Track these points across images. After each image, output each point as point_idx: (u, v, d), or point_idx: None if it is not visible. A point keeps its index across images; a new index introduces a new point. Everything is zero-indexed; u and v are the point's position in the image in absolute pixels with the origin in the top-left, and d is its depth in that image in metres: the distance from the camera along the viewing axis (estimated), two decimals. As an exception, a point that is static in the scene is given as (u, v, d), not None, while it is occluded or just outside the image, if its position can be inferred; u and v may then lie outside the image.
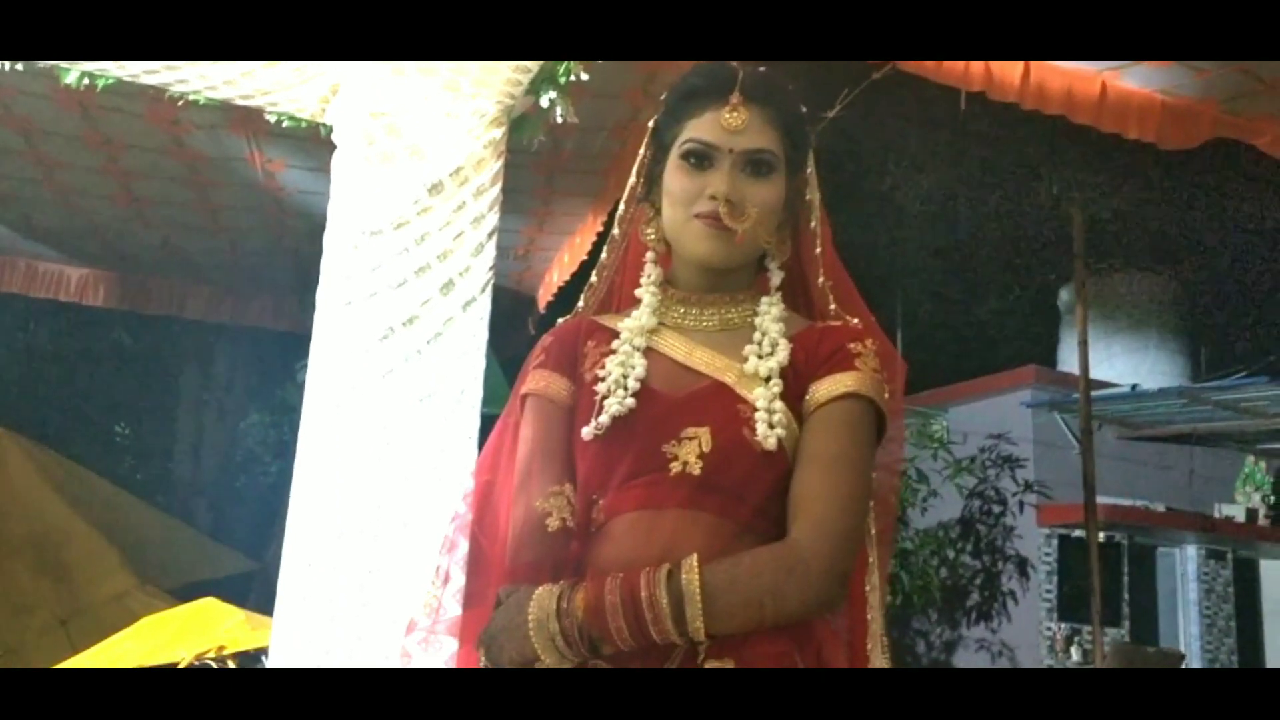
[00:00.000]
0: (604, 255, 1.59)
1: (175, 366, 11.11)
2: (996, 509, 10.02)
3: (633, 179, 1.56)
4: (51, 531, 5.58)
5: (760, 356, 1.43)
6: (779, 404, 1.38)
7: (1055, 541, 9.71)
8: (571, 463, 1.45)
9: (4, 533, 5.41)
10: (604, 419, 1.41)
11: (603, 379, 1.44)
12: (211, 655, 3.31)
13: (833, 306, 1.51)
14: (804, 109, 1.50)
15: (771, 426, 1.37)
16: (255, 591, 6.99)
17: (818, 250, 1.52)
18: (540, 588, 1.31)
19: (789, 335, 1.45)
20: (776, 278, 1.50)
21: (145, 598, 5.65)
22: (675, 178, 1.46)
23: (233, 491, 10.66)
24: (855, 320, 1.49)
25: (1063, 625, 9.58)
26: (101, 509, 5.97)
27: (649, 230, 1.51)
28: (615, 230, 1.59)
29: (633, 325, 1.48)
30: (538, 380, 1.50)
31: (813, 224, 1.52)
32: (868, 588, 1.47)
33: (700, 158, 1.44)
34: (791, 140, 1.47)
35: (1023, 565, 9.76)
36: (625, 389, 1.42)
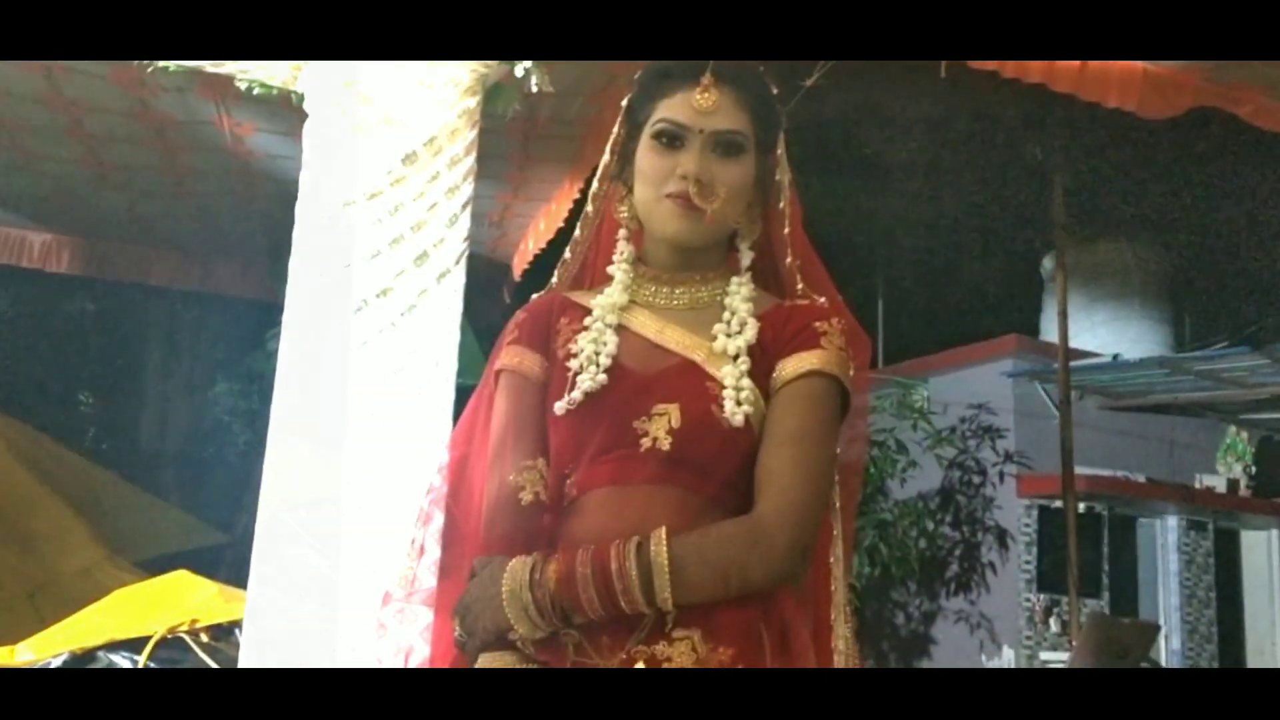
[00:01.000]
0: (577, 232, 1.66)
1: (141, 335, 11.08)
2: (976, 479, 10.14)
3: (606, 157, 1.62)
4: (17, 502, 5.59)
5: (729, 335, 1.50)
6: (746, 381, 1.46)
7: (1035, 512, 9.84)
8: (544, 437, 1.52)
9: (-31, 504, 5.43)
10: (576, 395, 1.48)
11: (575, 355, 1.51)
12: (185, 628, 3.35)
13: (800, 286, 1.58)
14: (775, 90, 1.56)
15: (739, 404, 1.44)
16: (226, 564, 7.03)
17: (786, 230, 1.59)
18: (514, 559, 1.38)
19: (758, 314, 1.52)
20: (746, 258, 1.57)
21: (114, 570, 5.68)
22: (647, 157, 1.52)
23: (201, 462, 10.65)
24: (822, 299, 1.57)
25: (1042, 596, 9.74)
26: (69, 480, 5.99)
27: (622, 208, 1.58)
28: (589, 207, 1.65)
29: (605, 302, 1.55)
30: (511, 356, 1.56)
31: (781, 204, 1.59)
32: (831, 559, 1.55)
33: (671, 138, 1.51)
34: (762, 121, 1.53)
35: (1002, 536, 9.89)
36: (598, 365, 1.49)
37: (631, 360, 1.51)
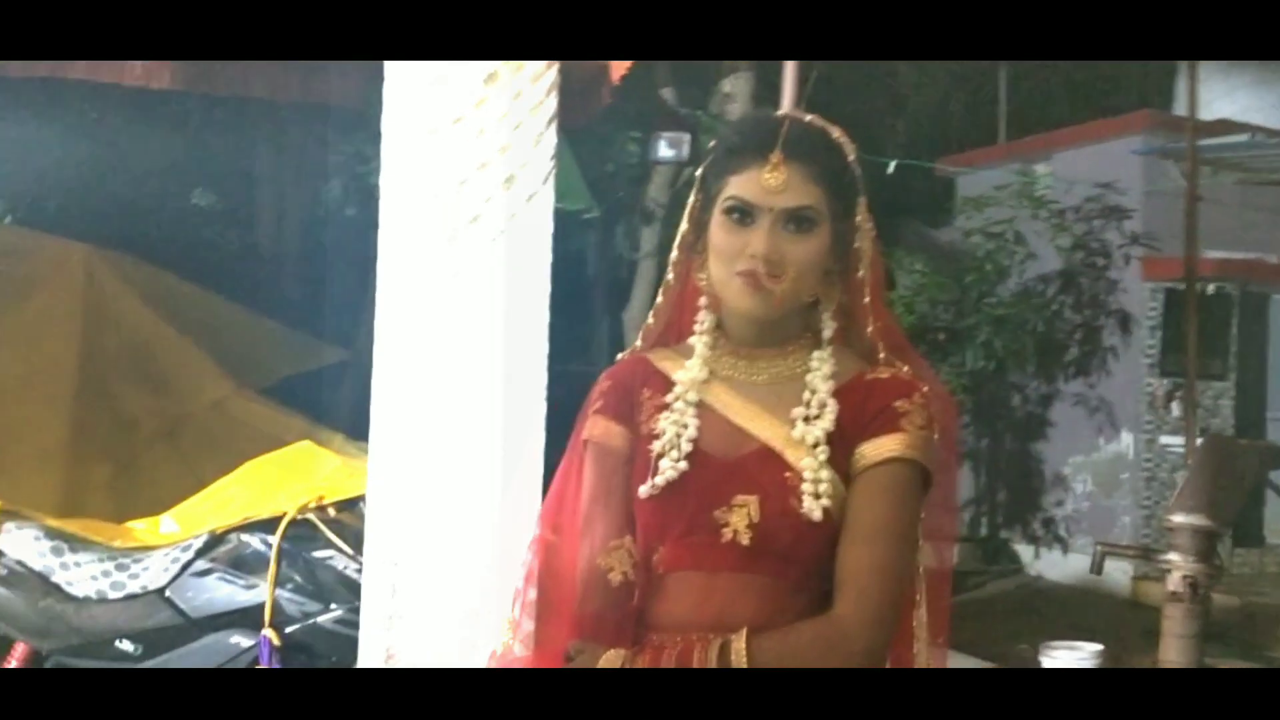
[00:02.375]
0: (659, 299, 1.70)
1: (248, 142, 11.25)
2: (1100, 262, 9.95)
3: (684, 225, 1.64)
4: (146, 342, 5.87)
5: (807, 420, 1.53)
6: (825, 473, 1.50)
7: (1161, 296, 9.66)
8: (631, 512, 1.59)
9: (100, 348, 5.71)
10: (659, 480, 1.54)
11: (658, 436, 1.56)
12: (314, 506, 3.57)
13: (882, 355, 1.59)
14: (851, 156, 1.54)
15: (817, 497, 1.49)
16: (348, 382, 7.34)
17: (866, 299, 1.59)
18: (608, 652, 1.48)
19: (838, 388, 1.54)
20: (828, 329, 1.59)
21: (244, 402, 5.99)
22: (718, 233, 1.54)
23: (319, 251, 10.85)
24: (906, 368, 1.58)
25: (1164, 381, 9.67)
26: (190, 314, 6.21)
27: (701, 275, 1.60)
28: (669, 274, 1.68)
29: (686, 379, 1.59)
30: (597, 427, 1.63)
31: (861, 272, 1.59)
32: (915, 623, 1.60)
33: (742, 214, 1.52)
34: (835, 192, 1.53)
35: (1125, 321, 9.77)
36: (679, 450, 1.54)
37: (712, 444, 1.56)
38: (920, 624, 1.61)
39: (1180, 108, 10.51)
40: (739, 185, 1.52)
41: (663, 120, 7.87)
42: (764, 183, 1.50)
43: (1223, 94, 10.13)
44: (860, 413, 1.53)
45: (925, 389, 1.56)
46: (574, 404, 1.74)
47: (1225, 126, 9.10)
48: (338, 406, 7.06)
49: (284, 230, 11.64)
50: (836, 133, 1.56)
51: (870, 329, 1.60)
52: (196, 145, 11.25)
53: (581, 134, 7.71)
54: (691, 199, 1.62)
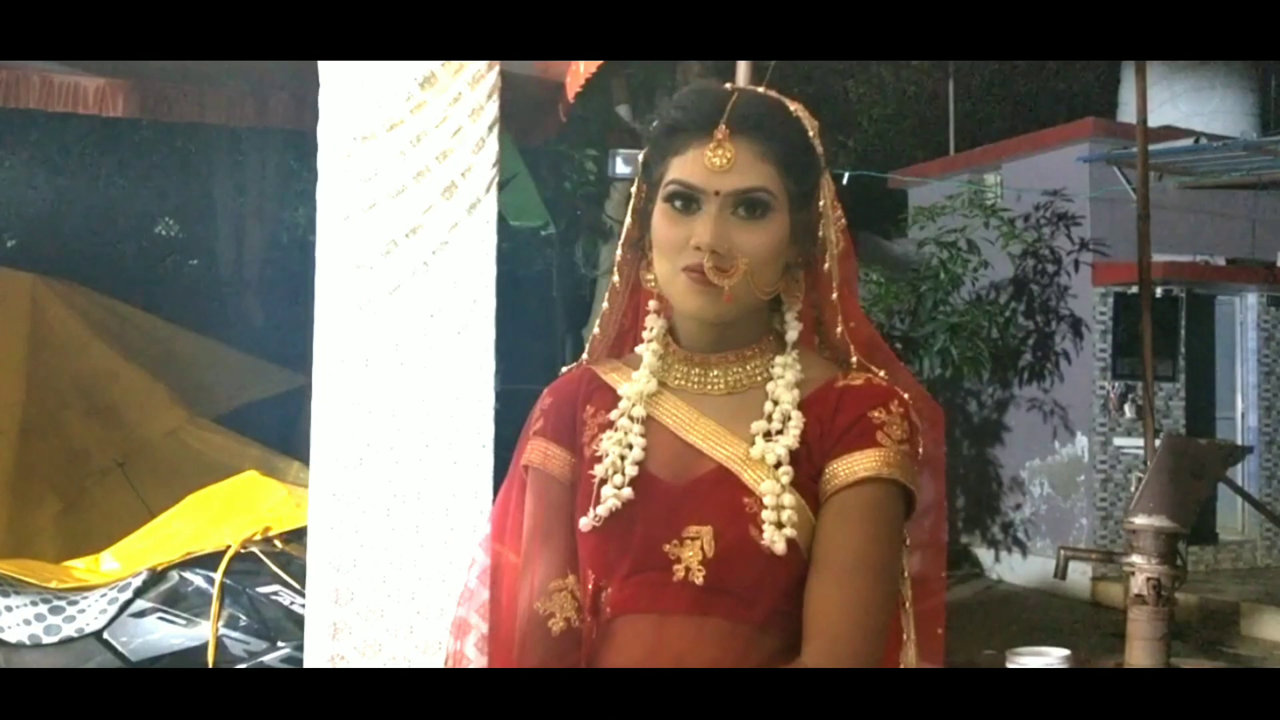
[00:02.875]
0: (604, 305, 1.45)
1: (205, 170, 11.00)
2: (1051, 269, 9.84)
3: (627, 220, 1.39)
4: (97, 373, 5.62)
5: (769, 435, 1.29)
6: (789, 498, 1.26)
7: (1110, 300, 9.55)
8: (574, 546, 1.36)
9: (51, 380, 5.46)
10: (601, 511, 1.30)
11: (600, 459, 1.32)
12: (259, 538, 3.35)
13: (855, 358, 1.35)
14: (811, 133, 1.31)
15: (780, 526, 1.25)
16: (305, 407, 7.09)
17: (834, 295, 1.35)
18: None
19: (805, 398, 1.31)
20: (792, 330, 1.35)
21: (199, 431, 5.75)
22: (660, 224, 1.30)
23: (283, 277, 10.57)
24: (881, 372, 1.34)
25: (1116, 384, 9.56)
26: (143, 343, 5.99)
27: (649, 276, 1.35)
28: (615, 277, 1.43)
29: (631, 392, 1.35)
30: (536, 452, 1.40)
31: (827, 265, 1.35)
32: (902, 662, 1.37)
33: (685, 200, 1.28)
34: (793, 173, 1.29)
35: (1077, 325, 9.66)
36: (623, 474, 1.30)
37: (661, 466, 1.32)
38: (909, 664, 1.37)
39: (1124, 116, 10.47)
40: (681, 167, 1.28)
41: (619, 137, 7.70)
42: (708, 162, 1.26)
43: (1165, 100, 10.05)
44: (830, 426, 1.29)
45: (905, 396, 1.33)
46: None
47: (1170, 133, 9.01)
48: (298, 433, 6.83)
49: (244, 256, 11.36)
50: (794, 106, 1.32)
51: (840, 329, 1.37)
52: (158, 175, 10.99)
53: (539, 151, 7.51)
54: (634, 188, 1.39)
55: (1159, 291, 9.27)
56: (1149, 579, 5.17)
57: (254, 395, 6.67)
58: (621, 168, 7.22)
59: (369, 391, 2.48)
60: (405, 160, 2.49)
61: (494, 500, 1.55)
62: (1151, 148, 7.81)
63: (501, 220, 2.81)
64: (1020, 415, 10.13)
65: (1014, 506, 10.21)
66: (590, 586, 1.34)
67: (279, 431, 6.25)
